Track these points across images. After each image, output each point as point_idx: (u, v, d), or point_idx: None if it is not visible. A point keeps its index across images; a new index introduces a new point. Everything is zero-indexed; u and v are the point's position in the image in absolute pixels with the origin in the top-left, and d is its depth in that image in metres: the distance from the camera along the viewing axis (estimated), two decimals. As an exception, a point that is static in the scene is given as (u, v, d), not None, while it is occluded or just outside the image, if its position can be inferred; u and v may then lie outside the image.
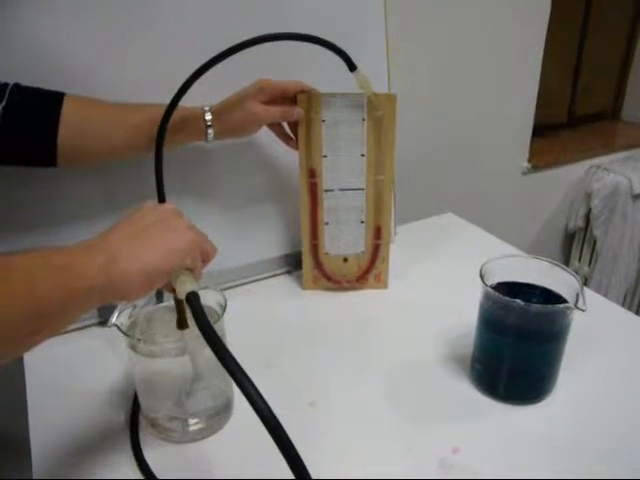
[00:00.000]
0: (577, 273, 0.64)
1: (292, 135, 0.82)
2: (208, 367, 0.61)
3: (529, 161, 1.75)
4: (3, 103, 0.62)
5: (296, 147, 0.81)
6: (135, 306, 0.62)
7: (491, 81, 1.53)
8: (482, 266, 0.65)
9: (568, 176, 1.90)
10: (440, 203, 1.20)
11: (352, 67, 0.72)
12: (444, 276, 0.93)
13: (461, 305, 0.73)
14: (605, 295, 0.88)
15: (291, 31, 0.68)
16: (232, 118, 0.73)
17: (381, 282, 0.90)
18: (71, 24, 0.71)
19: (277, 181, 0.91)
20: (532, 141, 1.73)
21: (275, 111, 0.75)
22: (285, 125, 0.81)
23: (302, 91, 0.77)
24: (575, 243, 2.01)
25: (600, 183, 1.84)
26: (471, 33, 1.42)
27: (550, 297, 0.65)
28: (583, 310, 0.59)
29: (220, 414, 0.64)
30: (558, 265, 0.66)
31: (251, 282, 0.92)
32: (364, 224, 0.86)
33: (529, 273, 0.67)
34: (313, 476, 0.36)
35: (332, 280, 0.89)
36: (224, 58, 0.66)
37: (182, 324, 0.59)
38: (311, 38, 0.69)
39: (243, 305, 0.74)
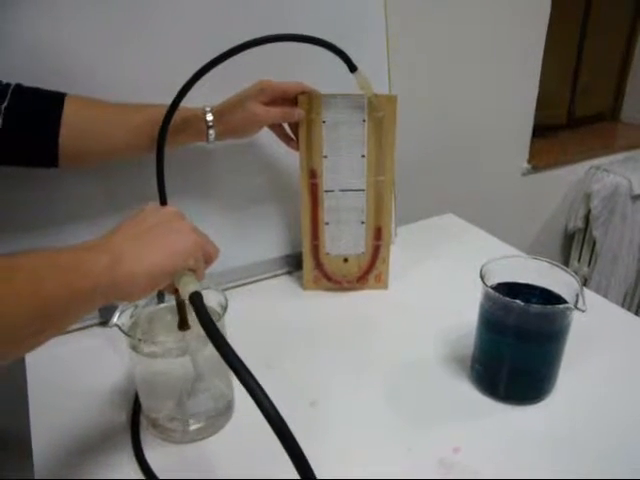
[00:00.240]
0: (577, 274, 0.64)
1: (293, 136, 0.82)
2: (209, 368, 0.61)
3: (529, 162, 1.75)
4: (5, 104, 0.63)
5: (297, 148, 0.82)
6: (136, 306, 0.62)
7: (491, 82, 1.53)
8: (482, 266, 0.65)
9: (568, 177, 1.90)
10: (440, 204, 1.21)
11: (352, 68, 0.72)
12: (444, 277, 0.93)
13: (461, 306, 0.74)
14: (605, 296, 0.88)
15: (291, 32, 0.69)
16: (233, 119, 0.73)
17: (381, 283, 0.90)
18: (72, 24, 0.71)
19: (278, 182, 0.91)
20: (532, 142, 1.73)
21: (276, 112, 0.75)
22: (286, 126, 0.82)
23: (303, 92, 0.77)
24: (575, 244, 2.01)
25: (600, 184, 1.84)
26: (471, 34, 1.42)
27: (550, 298, 0.65)
28: (583, 310, 0.59)
29: (221, 414, 0.64)
30: (558, 266, 0.66)
31: (252, 282, 0.92)
32: (364, 225, 0.86)
33: (529, 274, 0.67)
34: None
35: (333, 280, 0.90)
36: (225, 59, 0.66)
37: (183, 325, 0.59)
38: (311, 39, 0.69)
39: (244, 305, 0.74)
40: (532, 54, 1.58)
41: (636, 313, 0.83)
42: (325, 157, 0.82)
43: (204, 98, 0.72)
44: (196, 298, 0.46)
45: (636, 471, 0.57)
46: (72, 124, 0.66)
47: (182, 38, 0.78)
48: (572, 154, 1.88)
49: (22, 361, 0.73)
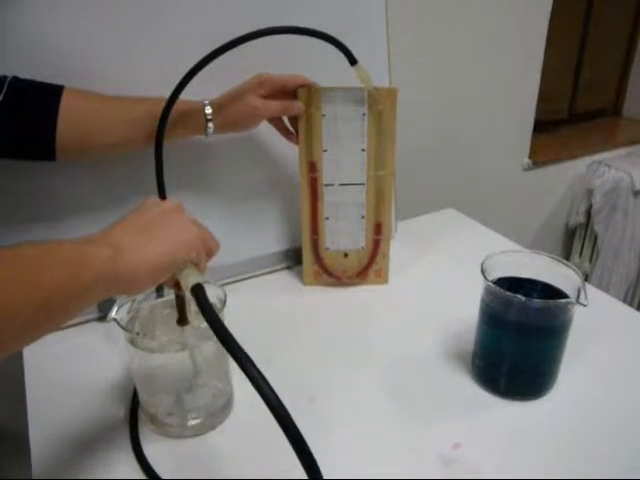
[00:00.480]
0: (578, 269, 0.64)
1: (292, 130, 0.81)
2: (208, 363, 0.61)
3: (530, 157, 1.75)
4: (0, 97, 0.62)
5: (296, 142, 0.81)
6: (134, 301, 0.61)
7: (492, 77, 1.52)
8: (483, 261, 0.65)
9: (569, 172, 1.90)
10: (441, 199, 1.20)
11: (353, 61, 0.72)
12: (445, 272, 0.93)
13: (462, 301, 0.73)
14: (606, 291, 0.88)
15: (292, 25, 0.68)
16: (232, 112, 0.73)
17: (381, 278, 0.90)
18: (72, 18, 0.71)
19: (277, 176, 0.90)
20: (533, 137, 1.72)
21: (275, 105, 0.75)
22: (285, 119, 0.81)
23: (302, 85, 0.77)
24: (576, 239, 2.01)
25: (601, 179, 1.84)
26: (472, 29, 1.42)
27: (551, 292, 0.64)
28: (584, 305, 0.59)
29: (219, 409, 0.64)
30: (559, 260, 0.66)
31: (251, 277, 0.92)
32: (364, 219, 0.86)
33: (530, 268, 0.66)
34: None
35: (332, 275, 0.89)
36: (224, 52, 0.66)
37: (182, 321, 0.58)
38: (312, 32, 0.68)
39: (243, 300, 0.73)
40: (534, 49, 1.58)
41: (638, 308, 0.82)
42: (325, 151, 0.81)
43: (203, 91, 0.71)
44: (198, 290, 0.46)
45: (636, 465, 0.57)
46: (69, 117, 0.66)
47: (182, 31, 0.77)
48: (573, 149, 1.88)
49: (20, 356, 0.73)
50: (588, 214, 1.91)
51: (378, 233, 0.87)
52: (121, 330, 0.57)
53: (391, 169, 0.83)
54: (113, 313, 0.57)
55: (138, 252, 0.47)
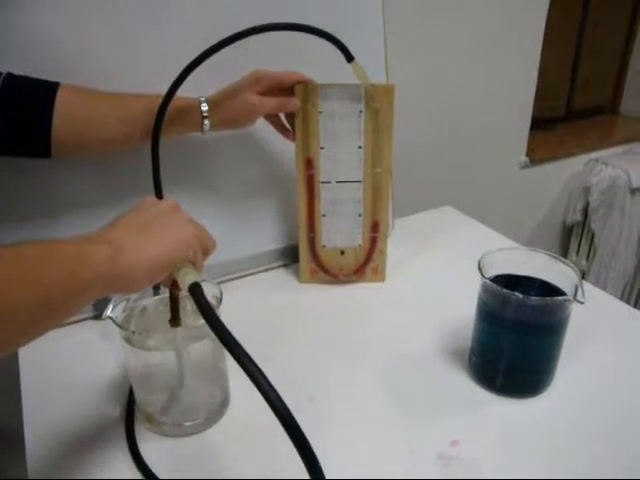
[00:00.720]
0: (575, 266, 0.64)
1: (289, 127, 0.81)
2: (203, 361, 0.60)
3: (527, 155, 1.75)
4: (-5, 93, 0.62)
5: (293, 139, 0.81)
6: (129, 299, 0.61)
7: (489, 74, 1.52)
8: (480, 258, 0.64)
9: (566, 170, 1.90)
10: (438, 196, 1.20)
11: (349, 58, 0.72)
12: (442, 269, 0.93)
13: (459, 298, 0.73)
14: (603, 289, 0.88)
15: (289, 21, 0.68)
16: (228, 109, 0.73)
17: (378, 275, 0.90)
18: (73, 16, 0.71)
19: (274, 173, 0.90)
20: (530, 135, 1.73)
21: (271, 102, 0.74)
22: (282, 116, 0.81)
23: (299, 82, 0.77)
24: (573, 237, 2.01)
25: (598, 177, 1.84)
26: (470, 26, 1.42)
27: (549, 290, 0.64)
28: (582, 302, 0.59)
29: (216, 408, 0.63)
30: (556, 257, 0.65)
31: (248, 275, 0.92)
32: (361, 217, 0.85)
33: (527, 266, 0.66)
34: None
35: (329, 273, 0.89)
36: (221, 48, 0.65)
37: (175, 321, 0.58)
38: (308, 28, 0.68)
39: (239, 298, 0.73)
40: (531, 47, 1.58)
41: (635, 306, 0.82)
42: (322, 148, 0.81)
43: (200, 88, 0.71)
44: (196, 289, 0.46)
45: (634, 465, 0.57)
46: (65, 113, 0.65)
47: (181, 28, 0.77)
48: (571, 147, 1.88)
49: (15, 354, 0.72)
50: (585, 212, 1.91)
51: (375, 230, 0.86)
52: (117, 328, 0.57)
53: (388, 166, 0.83)
54: (109, 311, 0.57)
55: (137, 251, 0.47)
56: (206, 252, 0.55)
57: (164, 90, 0.67)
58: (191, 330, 0.58)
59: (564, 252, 2.06)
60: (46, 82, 0.66)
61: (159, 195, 0.71)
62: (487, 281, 0.62)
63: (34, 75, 0.66)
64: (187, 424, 0.61)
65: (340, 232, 0.86)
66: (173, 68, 0.66)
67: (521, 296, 0.59)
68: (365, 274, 0.89)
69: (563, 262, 0.65)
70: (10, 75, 0.64)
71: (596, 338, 0.74)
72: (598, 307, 0.78)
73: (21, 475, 0.59)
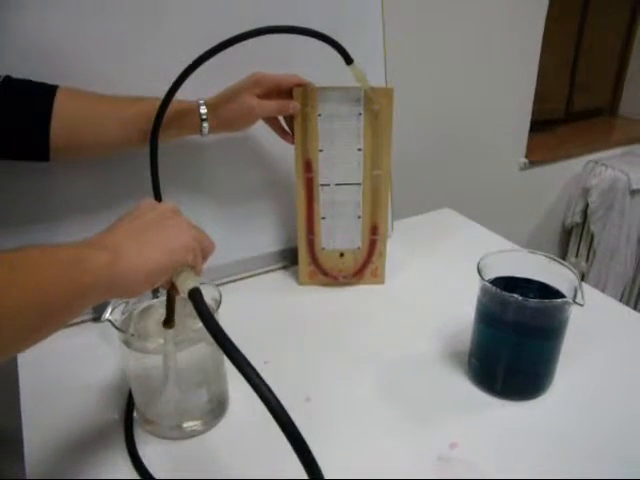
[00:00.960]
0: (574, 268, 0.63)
1: (288, 129, 0.81)
2: (201, 364, 0.60)
3: (527, 157, 1.75)
4: (-7, 96, 0.62)
5: (292, 141, 0.81)
6: (128, 302, 0.61)
7: (489, 76, 1.52)
8: (480, 261, 0.64)
9: (565, 172, 1.90)
10: (437, 198, 1.20)
11: (348, 60, 0.72)
12: (441, 271, 0.93)
13: (458, 300, 0.73)
14: (602, 291, 0.88)
15: (287, 24, 0.68)
16: (227, 112, 0.73)
17: (378, 277, 0.90)
18: (72, 19, 0.71)
19: (273, 176, 0.90)
20: (530, 137, 1.73)
21: (270, 105, 0.74)
22: (281, 119, 0.81)
23: (298, 85, 0.77)
24: (572, 239, 2.01)
25: (598, 179, 1.84)
26: (469, 29, 1.42)
27: (548, 292, 0.64)
28: (581, 305, 0.59)
29: (215, 410, 0.63)
30: (556, 260, 0.65)
31: (247, 277, 0.92)
32: (361, 219, 0.85)
33: (527, 268, 0.66)
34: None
35: (328, 275, 0.89)
36: (219, 51, 0.65)
37: (169, 322, 0.58)
38: (307, 31, 0.68)
39: (238, 300, 0.73)
40: (530, 49, 1.58)
41: (634, 307, 0.82)
42: (321, 151, 0.81)
43: (198, 91, 0.71)
44: (196, 294, 0.46)
45: (633, 467, 0.56)
46: (63, 117, 0.65)
47: (180, 31, 0.77)
48: (570, 149, 1.88)
49: (14, 357, 0.72)
50: (584, 213, 1.91)
51: (374, 233, 0.86)
52: (115, 331, 0.57)
53: (387, 169, 0.83)
54: (107, 314, 0.57)
55: (136, 256, 0.47)
56: (205, 255, 0.55)
57: (163, 93, 0.67)
58: (190, 332, 0.58)
59: (563, 254, 2.06)
60: (44, 85, 0.66)
61: (158, 198, 0.71)
62: (486, 283, 0.62)
63: (32, 78, 0.66)
64: (186, 427, 0.61)
65: (339, 234, 0.86)
66: (172, 71, 0.66)
67: (520, 298, 0.59)
68: (364, 276, 0.89)
69: (562, 264, 0.64)
70: (8, 78, 0.64)
71: (595, 340, 0.74)
72: (597, 309, 0.78)
73: (20, 478, 0.59)
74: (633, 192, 1.81)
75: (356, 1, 0.89)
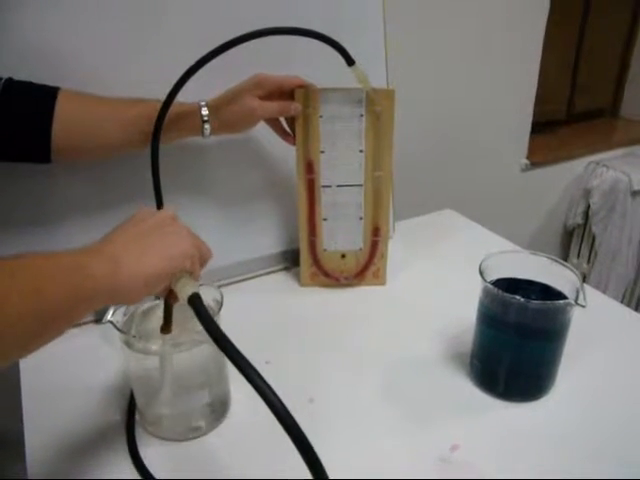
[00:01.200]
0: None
1: (289, 131, 0.81)
2: (203, 366, 0.60)
3: (528, 158, 1.75)
4: (-5, 98, 0.62)
5: (293, 143, 0.81)
6: (130, 303, 0.61)
7: (490, 78, 1.52)
8: (481, 262, 0.64)
9: (567, 173, 1.90)
10: (439, 199, 1.20)
11: (350, 62, 0.72)
12: (443, 272, 0.93)
13: (460, 301, 0.73)
14: (604, 292, 0.87)
15: (289, 25, 0.68)
16: (229, 113, 0.73)
17: (379, 278, 0.89)
18: (71, 20, 0.71)
19: (274, 177, 0.90)
20: (531, 138, 1.73)
21: (272, 106, 0.74)
22: (282, 120, 0.81)
23: (300, 86, 0.77)
24: (574, 240, 2.01)
25: (599, 180, 1.84)
26: (470, 30, 1.42)
27: (550, 293, 0.64)
28: (583, 306, 0.59)
29: (216, 412, 0.63)
30: (558, 261, 0.65)
31: (248, 279, 0.92)
32: (362, 220, 0.85)
33: (529, 269, 0.66)
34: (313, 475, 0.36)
35: (330, 277, 0.89)
36: (220, 53, 0.65)
37: (166, 329, 0.58)
38: (309, 32, 0.68)
39: (240, 302, 0.73)
40: (531, 50, 1.58)
41: (636, 309, 0.82)
42: (322, 152, 0.81)
43: (199, 92, 0.71)
44: (196, 300, 0.46)
45: (635, 467, 0.56)
46: (65, 119, 0.65)
47: (181, 32, 0.77)
48: (571, 150, 1.88)
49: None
50: (586, 215, 1.91)
51: (376, 234, 0.86)
52: (117, 332, 0.57)
53: (389, 170, 0.83)
54: (109, 315, 0.57)
55: (135, 264, 0.47)
56: (203, 262, 0.55)
57: (163, 94, 0.67)
58: (191, 334, 0.58)
59: (565, 255, 2.06)
60: (46, 87, 0.66)
61: (159, 200, 0.71)
62: (488, 285, 0.62)
63: (31, 79, 0.66)
64: (187, 428, 0.61)
65: (341, 235, 0.86)
66: (172, 72, 0.66)
67: (522, 300, 0.59)
68: (366, 277, 0.89)
69: (564, 265, 0.64)
70: (10, 80, 0.64)
71: (597, 342, 0.74)
72: (599, 310, 0.78)
73: (21, 478, 0.59)
74: (634, 193, 1.81)
75: (357, 2, 0.89)
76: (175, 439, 0.61)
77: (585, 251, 1.97)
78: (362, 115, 0.79)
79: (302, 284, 0.90)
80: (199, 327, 0.44)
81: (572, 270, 0.63)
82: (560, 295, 0.63)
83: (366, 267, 0.88)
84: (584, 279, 1.94)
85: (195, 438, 0.61)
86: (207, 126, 0.72)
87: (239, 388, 0.63)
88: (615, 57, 2.08)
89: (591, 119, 2.12)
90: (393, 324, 0.80)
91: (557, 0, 1.55)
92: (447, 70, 1.43)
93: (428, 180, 1.50)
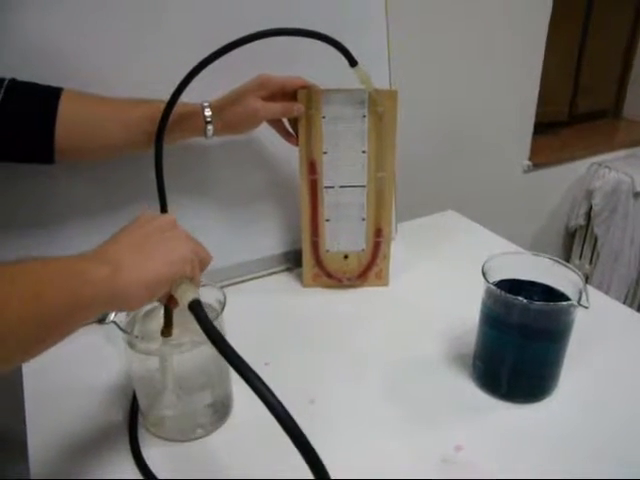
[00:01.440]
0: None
1: (292, 131, 0.81)
2: (204, 367, 0.60)
3: (530, 159, 1.75)
4: (-1, 99, 0.62)
5: (296, 143, 0.81)
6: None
7: (492, 79, 1.52)
8: (484, 263, 0.64)
9: (569, 174, 1.90)
10: (441, 201, 1.20)
11: (353, 63, 0.72)
12: (445, 273, 0.93)
13: (463, 302, 0.73)
14: (606, 293, 0.87)
15: (292, 26, 0.68)
16: (232, 114, 0.73)
17: (382, 279, 0.89)
18: (73, 20, 0.71)
19: (277, 178, 0.90)
20: (533, 139, 1.73)
21: (275, 107, 0.75)
22: (285, 121, 0.81)
23: (302, 87, 0.77)
24: (576, 241, 2.01)
25: (601, 181, 1.84)
26: (473, 31, 1.42)
27: (552, 294, 0.64)
28: (586, 307, 0.59)
29: (219, 412, 0.63)
30: (560, 262, 0.65)
31: (251, 279, 0.92)
32: (365, 221, 0.85)
33: (531, 270, 0.66)
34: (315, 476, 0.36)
35: (332, 277, 0.89)
36: (224, 54, 0.65)
37: (166, 332, 0.58)
38: (312, 33, 0.68)
39: (243, 302, 0.73)
40: (533, 51, 1.58)
41: (638, 310, 0.82)
42: (325, 153, 0.81)
43: (202, 93, 0.71)
44: (196, 306, 0.46)
45: (638, 468, 0.56)
46: (68, 119, 0.65)
47: (183, 33, 0.77)
48: (574, 151, 1.88)
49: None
50: (588, 216, 1.91)
51: (378, 235, 0.86)
52: (120, 332, 0.57)
53: (391, 171, 0.83)
54: (112, 315, 0.57)
55: (136, 270, 0.47)
56: (202, 267, 0.55)
57: (165, 94, 0.67)
58: (193, 335, 0.58)
59: (567, 256, 2.05)
60: (49, 87, 0.66)
61: (163, 201, 0.71)
62: (491, 286, 0.62)
63: (33, 79, 0.66)
64: (190, 429, 0.61)
65: (344, 236, 0.86)
66: (174, 72, 0.66)
67: (525, 301, 0.59)
68: (368, 278, 0.89)
69: (567, 267, 0.64)
70: (14, 81, 0.64)
71: (599, 342, 0.74)
72: (601, 311, 0.78)
73: (24, 478, 0.59)
74: (637, 194, 1.81)
75: (360, 3, 0.89)
76: (177, 440, 0.61)
77: (587, 252, 1.97)
78: (365, 116, 0.79)
79: (304, 285, 0.90)
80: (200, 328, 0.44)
81: (575, 271, 0.63)
82: (563, 296, 0.63)
83: (369, 268, 0.88)
84: (586, 280, 1.94)
85: (198, 438, 0.61)
86: (210, 127, 0.73)
87: (241, 389, 0.62)
88: (618, 58, 2.08)
89: (593, 120, 2.12)
90: (395, 325, 0.80)
91: (559, 1, 1.55)
92: (449, 71, 1.43)
93: (430, 181, 1.50)
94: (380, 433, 0.62)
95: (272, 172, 0.90)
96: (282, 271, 0.94)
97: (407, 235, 1.04)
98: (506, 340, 0.64)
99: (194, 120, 0.72)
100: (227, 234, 0.88)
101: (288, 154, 0.84)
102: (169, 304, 0.55)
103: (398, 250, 0.91)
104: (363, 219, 0.85)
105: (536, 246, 1.91)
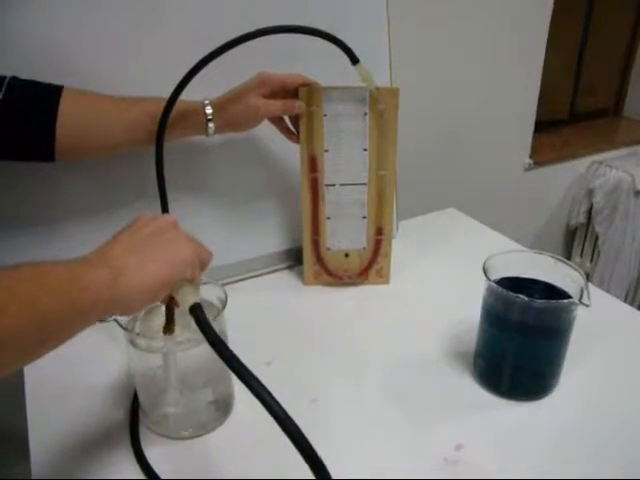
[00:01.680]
0: (579, 269, 0.63)
1: (293, 129, 0.81)
2: (205, 365, 0.60)
3: (531, 157, 1.74)
4: (0, 97, 0.62)
5: (297, 141, 0.81)
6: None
7: (493, 77, 1.52)
8: (485, 261, 0.64)
9: (570, 172, 1.90)
10: (442, 199, 1.20)
11: (354, 60, 0.72)
12: (446, 271, 0.93)
13: (463, 300, 0.73)
14: (607, 291, 0.87)
15: (293, 24, 0.68)
16: (233, 112, 0.72)
17: (383, 277, 0.89)
18: (73, 18, 0.71)
19: (278, 176, 0.90)
20: (534, 137, 1.72)
21: (276, 105, 0.74)
22: (286, 119, 0.81)
23: (303, 84, 0.77)
24: (577, 239, 2.01)
25: (602, 179, 1.84)
26: (474, 30, 1.42)
27: (554, 293, 0.64)
28: (587, 305, 0.58)
29: (220, 410, 0.63)
30: (561, 260, 0.65)
31: (252, 277, 0.92)
32: (366, 219, 0.85)
33: (532, 268, 0.66)
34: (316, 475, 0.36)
35: (333, 275, 0.89)
36: (225, 51, 0.65)
37: (168, 330, 0.58)
38: (313, 31, 0.68)
39: (244, 300, 0.73)
40: (534, 49, 1.58)
41: (638, 308, 0.82)
42: (326, 151, 0.81)
43: (203, 90, 0.71)
44: (197, 310, 0.46)
45: (639, 467, 0.57)
46: (69, 117, 0.65)
47: (182, 31, 0.77)
48: (574, 149, 1.88)
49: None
50: (589, 214, 1.91)
51: (379, 233, 0.86)
52: (121, 330, 0.57)
53: (393, 169, 0.83)
54: (114, 313, 0.57)
55: (136, 273, 0.46)
56: (203, 266, 0.55)
57: (166, 91, 0.67)
58: (195, 333, 0.58)
59: (568, 254, 2.05)
60: (50, 86, 0.66)
61: (163, 199, 0.71)
62: (492, 284, 0.62)
63: (32, 77, 0.66)
64: (191, 427, 0.61)
65: (345, 235, 0.86)
66: (174, 70, 0.66)
67: (526, 299, 0.59)
68: (369, 276, 0.89)
69: (568, 265, 0.64)
70: (14, 79, 0.64)
71: (600, 340, 0.74)
72: (602, 309, 0.77)
73: (25, 477, 0.59)
74: (637, 193, 1.81)
75: (361, 1, 0.89)
76: (179, 438, 0.61)
77: (588, 250, 1.97)
78: (366, 114, 0.79)
79: (305, 283, 0.90)
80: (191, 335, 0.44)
81: (576, 269, 0.63)
82: (564, 294, 0.63)
83: (369, 266, 0.88)
84: (587, 278, 1.94)
85: (199, 436, 0.61)
86: (211, 125, 0.72)
87: (243, 386, 0.63)
88: (618, 57, 2.08)
89: (594, 119, 2.12)
90: (397, 323, 0.80)
91: (560, 0, 1.55)
92: (451, 69, 1.43)
93: (431, 179, 1.50)
94: (381, 431, 0.62)
95: (273, 170, 0.90)
96: (283, 269, 0.94)
97: (408, 233, 1.04)
98: (507, 338, 0.64)
99: (195, 118, 0.72)
100: (228, 232, 0.88)
101: (289, 152, 0.84)
102: (170, 304, 0.55)
103: (399, 248, 0.91)
104: (364, 217, 0.85)
105: (537, 244, 1.91)
